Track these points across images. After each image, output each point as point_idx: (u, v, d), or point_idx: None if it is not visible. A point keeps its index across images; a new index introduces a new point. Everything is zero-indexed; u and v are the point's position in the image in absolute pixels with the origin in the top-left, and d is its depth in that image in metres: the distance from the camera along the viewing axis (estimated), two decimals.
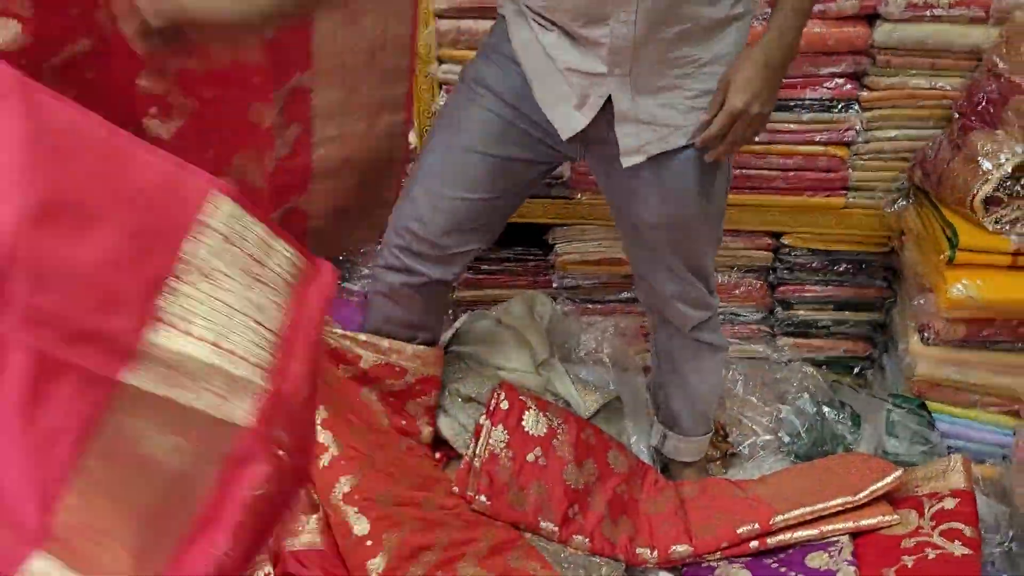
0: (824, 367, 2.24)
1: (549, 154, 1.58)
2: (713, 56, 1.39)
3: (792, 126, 2.01)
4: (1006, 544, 1.61)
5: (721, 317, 2.05)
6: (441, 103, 2.09)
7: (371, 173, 1.95)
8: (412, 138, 2.18)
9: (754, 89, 1.34)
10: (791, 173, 2.06)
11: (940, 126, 1.97)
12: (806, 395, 2.06)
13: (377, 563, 1.41)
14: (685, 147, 1.45)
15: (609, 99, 1.41)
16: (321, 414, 1.62)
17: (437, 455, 1.84)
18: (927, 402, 1.89)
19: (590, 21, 1.35)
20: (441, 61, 2.07)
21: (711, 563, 1.67)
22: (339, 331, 1.83)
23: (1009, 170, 1.66)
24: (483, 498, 1.64)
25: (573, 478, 1.70)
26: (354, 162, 1.88)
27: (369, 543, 1.44)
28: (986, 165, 1.68)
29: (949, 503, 1.64)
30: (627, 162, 1.45)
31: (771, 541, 1.67)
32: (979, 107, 1.77)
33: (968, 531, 1.56)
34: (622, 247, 1.81)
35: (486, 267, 2.30)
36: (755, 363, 2.22)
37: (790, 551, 1.67)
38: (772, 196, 2.09)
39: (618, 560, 1.66)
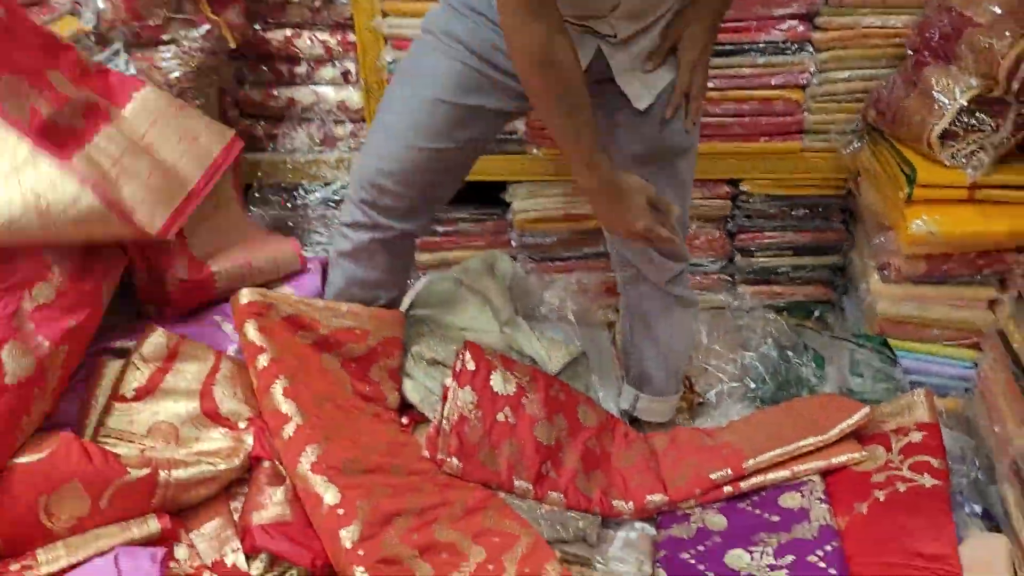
0: (786, 312, 2.25)
1: (522, 105, 1.57)
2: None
3: (747, 70, 1.99)
4: (973, 474, 1.63)
5: None
6: (387, 57, 2.03)
7: None
8: (358, 96, 2.11)
9: (705, 41, 1.51)
10: (747, 119, 2.05)
11: (893, 65, 1.97)
12: (769, 340, 2.06)
13: (351, 531, 1.37)
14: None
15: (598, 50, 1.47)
16: (282, 383, 1.56)
17: (404, 420, 1.80)
18: (889, 340, 1.90)
19: None
20: (385, 15, 2.00)
21: (686, 511, 1.67)
22: (295, 297, 1.77)
23: (964, 103, 1.66)
24: (454, 460, 1.61)
25: (544, 435, 1.68)
26: None
27: (341, 512, 1.39)
28: (942, 100, 1.68)
29: (916, 436, 1.65)
30: (641, 105, 1.52)
31: (744, 485, 1.67)
32: (932, 42, 1.77)
33: (936, 462, 1.57)
34: None
35: (443, 229, 2.26)
36: (717, 312, 2.22)
37: (763, 493, 1.67)
38: (729, 143, 2.08)
39: (594, 514, 1.64)
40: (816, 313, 2.31)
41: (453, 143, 1.58)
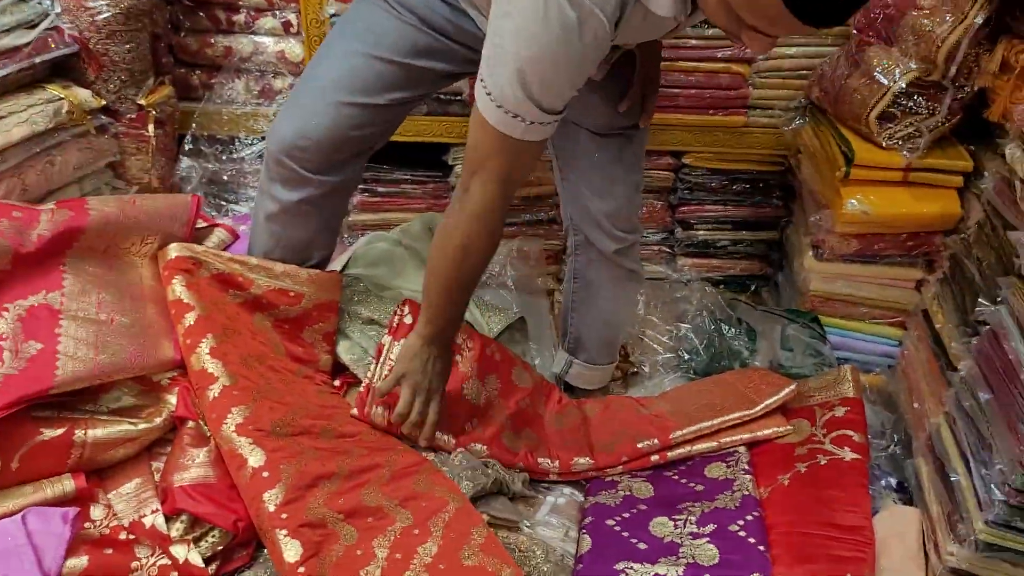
0: (722, 286, 2.28)
1: (469, 68, 1.53)
2: None
3: (694, 41, 1.98)
4: (891, 448, 1.68)
5: None
6: (330, 10, 1.96)
7: None
8: (299, 48, 2.05)
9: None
10: (692, 91, 2.05)
11: (838, 44, 1.98)
12: (704, 313, 2.08)
13: (274, 494, 1.35)
14: None
15: None
16: (208, 343, 1.52)
17: (337, 382, 1.77)
18: (820, 316, 1.94)
19: None
20: None
21: (614, 478, 1.69)
22: (227, 255, 1.72)
23: (904, 85, 1.68)
24: (379, 409, 1.59)
25: (473, 392, 1.67)
26: None
27: (266, 475, 1.37)
28: (882, 81, 1.69)
29: (839, 411, 1.69)
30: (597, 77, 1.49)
31: (671, 455, 1.69)
32: (876, 23, 1.78)
33: (857, 437, 1.62)
34: (554, 167, 1.77)
35: (383, 189, 2.22)
36: (655, 283, 2.23)
37: (690, 463, 1.70)
38: (674, 114, 2.07)
39: (519, 469, 1.65)
40: (752, 287, 2.34)
41: (384, 101, 1.55)
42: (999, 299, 1.35)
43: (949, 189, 1.72)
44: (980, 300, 1.40)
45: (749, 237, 2.28)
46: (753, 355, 1.97)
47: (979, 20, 1.56)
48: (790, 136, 2.05)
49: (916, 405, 1.63)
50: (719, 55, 2.00)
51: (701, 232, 2.27)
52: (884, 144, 1.72)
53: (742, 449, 1.70)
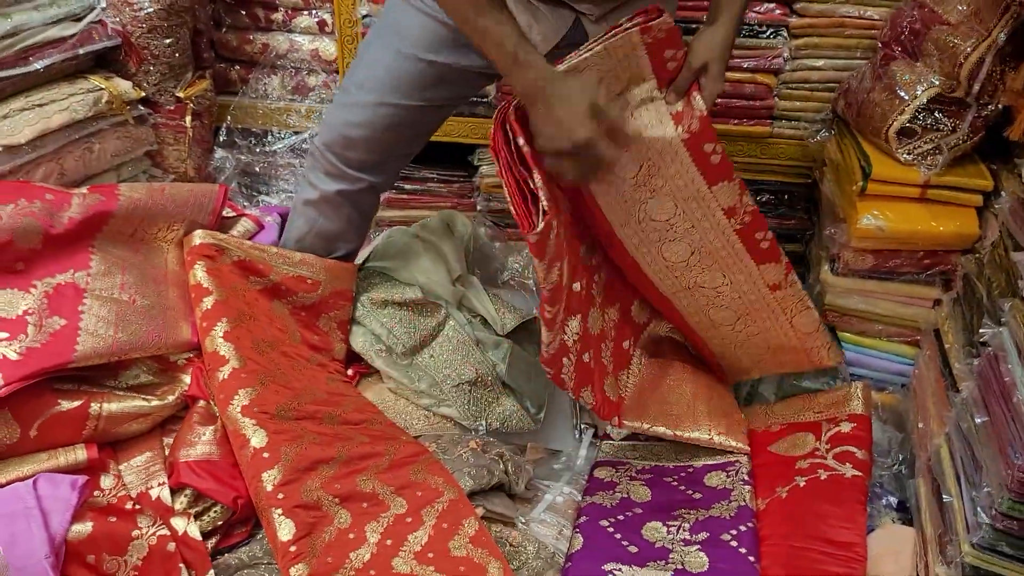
0: None
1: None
2: None
3: None
4: (896, 467, 1.66)
5: None
6: (362, 10, 2.02)
7: None
8: (332, 47, 2.11)
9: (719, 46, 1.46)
10: (717, 100, 2.03)
11: (867, 57, 1.96)
12: None
13: (272, 474, 1.40)
14: None
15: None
16: (223, 326, 1.58)
17: (350, 371, 1.83)
18: (835, 331, 1.92)
19: None
20: None
21: (613, 479, 1.70)
22: (248, 243, 1.79)
23: (924, 101, 1.66)
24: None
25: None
26: None
27: (266, 455, 1.43)
28: (903, 96, 1.67)
29: (845, 427, 1.68)
30: None
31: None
32: (902, 37, 1.76)
33: (860, 454, 1.60)
34: None
35: (409, 187, 2.27)
36: None
37: (691, 470, 1.71)
38: None
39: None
40: None
41: (423, 101, 1.59)
42: (1003, 320, 1.33)
43: (968, 208, 1.69)
44: (985, 321, 1.38)
45: None
46: None
47: (1003, 37, 1.54)
48: (815, 148, 2.04)
49: (921, 425, 1.61)
50: (745, 65, 2.00)
51: None
52: (903, 159, 1.70)
53: (744, 459, 1.70)
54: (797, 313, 1.70)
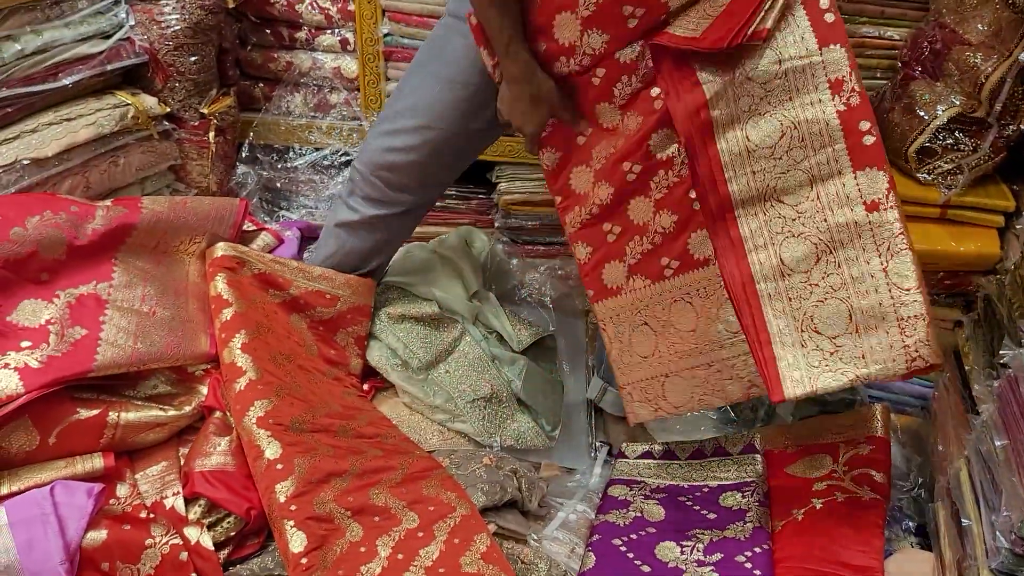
0: None
1: None
2: None
3: None
4: (915, 490, 1.64)
5: None
6: (383, 29, 2.05)
7: None
8: (354, 65, 2.14)
9: None
10: None
11: (887, 77, 1.95)
12: None
13: (286, 486, 1.41)
14: None
15: None
16: (241, 338, 1.60)
17: (366, 386, 1.84)
18: None
19: None
20: None
21: (627, 497, 1.69)
22: (269, 256, 1.81)
23: (945, 120, 1.65)
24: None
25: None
26: None
27: (279, 467, 1.44)
28: (922, 115, 1.66)
29: (864, 449, 1.66)
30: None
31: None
32: (922, 57, 1.75)
33: (878, 477, 1.58)
34: None
35: None
36: None
37: (706, 490, 1.69)
38: None
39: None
40: None
41: (466, 127, 1.60)
42: (1023, 342, 1.31)
43: (989, 228, 1.67)
44: (1005, 343, 1.36)
45: None
46: None
47: (1023, 57, 1.53)
48: None
49: (941, 448, 1.58)
50: None
51: None
52: (922, 179, 1.69)
53: (760, 481, 1.68)
54: (895, 254, 1.27)
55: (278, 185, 2.25)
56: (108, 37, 1.84)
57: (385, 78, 2.13)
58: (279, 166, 2.23)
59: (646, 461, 1.83)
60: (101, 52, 1.81)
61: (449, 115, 1.59)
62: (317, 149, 2.22)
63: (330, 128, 2.19)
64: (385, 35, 2.06)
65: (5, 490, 1.32)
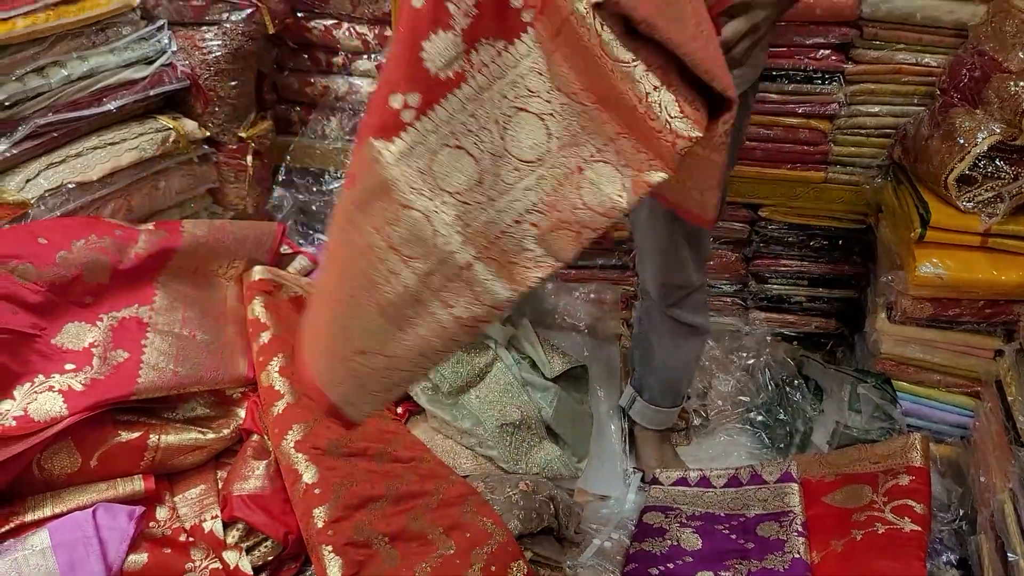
0: (796, 342, 2.24)
1: None
2: None
3: (774, 96, 1.98)
4: (956, 522, 1.61)
5: None
6: None
7: None
8: None
9: None
10: (771, 144, 2.04)
11: (924, 104, 1.95)
12: (768, 369, 2.05)
13: (323, 511, 1.41)
14: None
15: None
16: (279, 361, 1.61)
17: (400, 410, 1.85)
18: (892, 380, 1.88)
19: None
20: None
21: (662, 524, 1.68)
22: (305, 280, 1.83)
23: (985, 148, 1.64)
24: None
25: None
26: None
27: (317, 491, 1.44)
28: (962, 143, 1.65)
29: (903, 479, 1.64)
30: None
31: None
32: (961, 84, 1.75)
33: (919, 508, 1.56)
34: (633, 220, 1.73)
35: None
36: (722, 335, 2.21)
37: (743, 519, 1.68)
38: (752, 167, 2.07)
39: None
40: (828, 345, 2.29)
41: None
42: None
43: None
44: None
45: (826, 294, 2.24)
46: (819, 414, 1.93)
47: None
48: (871, 194, 2.02)
49: (983, 479, 1.56)
50: (799, 110, 1.99)
51: (775, 286, 2.25)
52: (963, 207, 1.67)
53: (797, 510, 1.66)
54: None
55: (313, 208, 2.27)
56: (151, 63, 1.86)
57: None
58: (314, 189, 2.25)
59: (680, 488, 1.81)
60: (144, 77, 1.84)
61: None
62: None
63: None
64: None
65: (48, 512, 1.33)
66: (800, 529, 1.61)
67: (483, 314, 1.04)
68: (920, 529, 1.52)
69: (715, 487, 1.78)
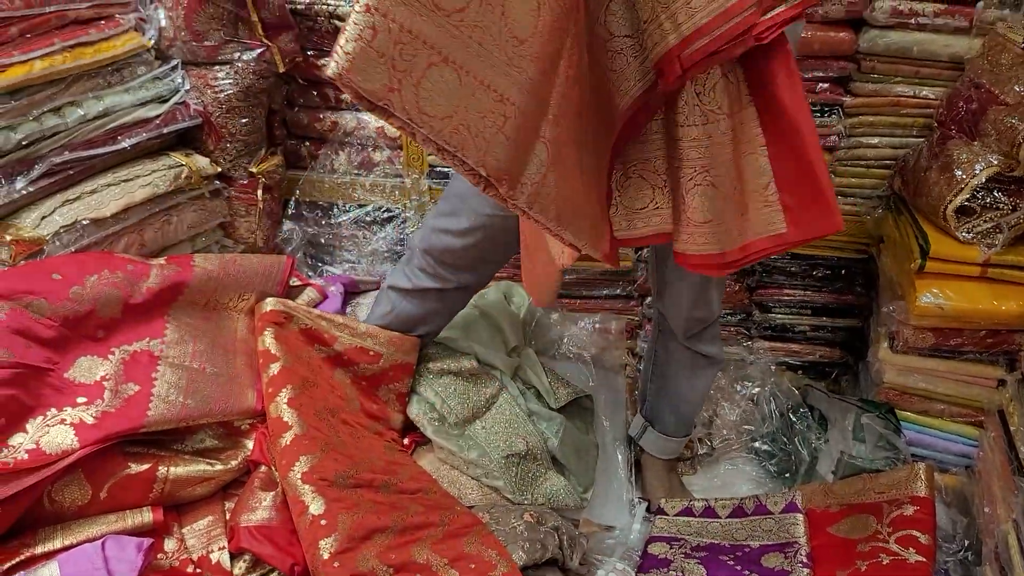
0: (800, 371, 2.25)
1: None
2: None
3: None
4: (962, 553, 1.61)
5: None
6: None
7: None
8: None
9: None
10: None
11: (923, 135, 1.97)
12: (774, 398, 2.06)
13: (329, 542, 1.42)
14: None
15: None
16: (288, 393, 1.63)
17: (406, 440, 1.86)
18: (895, 410, 1.89)
19: None
20: None
21: (667, 556, 1.68)
22: (316, 312, 1.85)
23: (983, 180, 1.66)
24: None
25: None
26: None
27: (323, 522, 1.45)
28: (959, 175, 1.67)
29: (908, 510, 1.64)
30: None
31: None
32: (958, 117, 1.77)
33: (923, 538, 1.56)
34: (660, 261, 1.75)
35: None
36: (727, 364, 2.22)
37: (747, 550, 1.68)
38: None
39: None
40: (833, 374, 2.30)
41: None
42: None
43: None
44: None
45: (829, 324, 2.25)
46: (824, 443, 1.93)
47: None
48: (872, 224, 2.04)
49: (987, 509, 1.56)
50: None
51: (779, 315, 2.26)
52: (962, 238, 1.69)
53: (802, 541, 1.67)
54: None
55: (322, 240, 2.31)
56: (165, 101, 1.91)
57: None
58: (323, 222, 2.29)
59: (685, 518, 1.82)
60: (158, 116, 1.88)
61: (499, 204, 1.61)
62: (360, 205, 2.28)
63: (373, 185, 2.25)
64: None
65: (59, 543, 1.35)
66: (805, 560, 1.61)
67: None
68: (925, 560, 1.52)
69: (720, 517, 1.78)
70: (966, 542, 1.62)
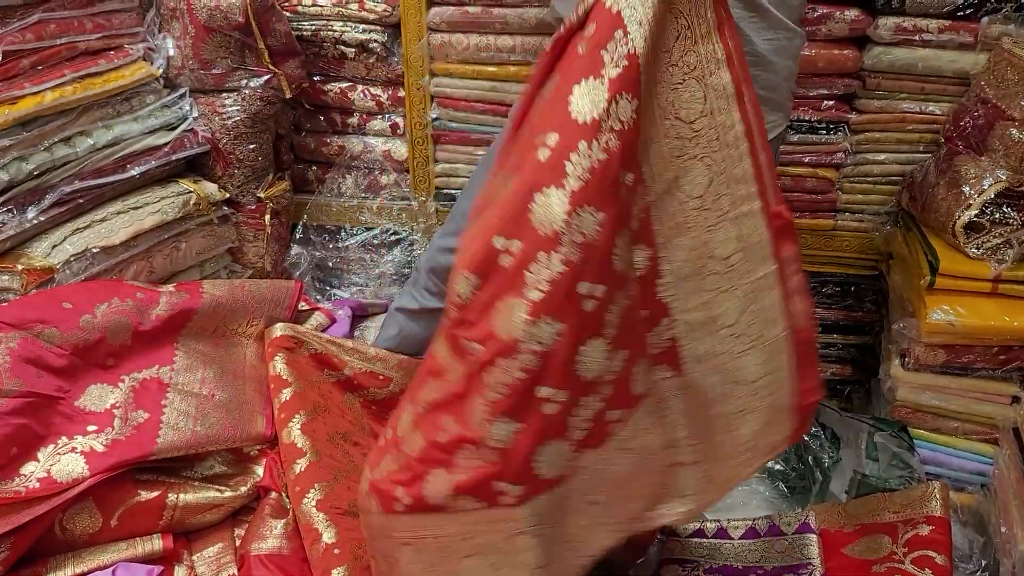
0: None
1: None
2: None
3: (780, 147, 2.01)
4: (979, 573, 1.59)
5: None
6: (432, 114, 2.13)
7: None
8: (403, 148, 2.21)
9: None
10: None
11: (930, 150, 1.97)
12: None
13: (342, 571, 1.41)
14: None
15: None
16: (300, 419, 1.63)
17: None
18: (908, 428, 1.87)
19: None
20: (433, 75, 2.10)
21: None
22: (325, 336, 1.86)
23: (992, 195, 1.65)
24: None
25: None
26: None
27: (336, 551, 1.44)
28: (968, 191, 1.67)
29: (923, 530, 1.62)
30: None
31: None
32: (965, 132, 1.77)
33: (940, 559, 1.54)
34: None
35: None
36: None
37: (761, 572, 1.66)
38: None
39: None
40: (845, 392, 2.28)
41: None
42: None
43: None
44: None
45: (840, 341, 2.24)
46: (836, 463, 1.91)
47: None
48: (881, 241, 2.03)
49: (1004, 529, 1.54)
50: (806, 160, 2.02)
51: None
52: (971, 254, 1.68)
53: (817, 562, 1.65)
54: (798, 293, 1.25)
55: (330, 264, 2.32)
56: (173, 129, 1.93)
57: (434, 160, 2.20)
58: (331, 246, 2.30)
59: (698, 540, 1.80)
60: (167, 143, 1.90)
61: None
62: (368, 228, 2.29)
63: (380, 208, 2.26)
64: (434, 119, 2.14)
65: (70, 572, 1.35)
66: None
67: None
68: None
69: (733, 538, 1.76)
70: (983, 562, 1.60)
